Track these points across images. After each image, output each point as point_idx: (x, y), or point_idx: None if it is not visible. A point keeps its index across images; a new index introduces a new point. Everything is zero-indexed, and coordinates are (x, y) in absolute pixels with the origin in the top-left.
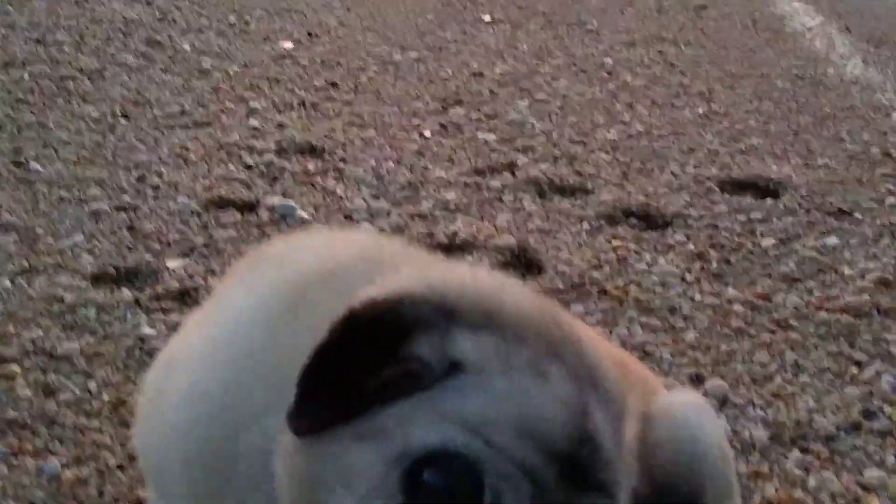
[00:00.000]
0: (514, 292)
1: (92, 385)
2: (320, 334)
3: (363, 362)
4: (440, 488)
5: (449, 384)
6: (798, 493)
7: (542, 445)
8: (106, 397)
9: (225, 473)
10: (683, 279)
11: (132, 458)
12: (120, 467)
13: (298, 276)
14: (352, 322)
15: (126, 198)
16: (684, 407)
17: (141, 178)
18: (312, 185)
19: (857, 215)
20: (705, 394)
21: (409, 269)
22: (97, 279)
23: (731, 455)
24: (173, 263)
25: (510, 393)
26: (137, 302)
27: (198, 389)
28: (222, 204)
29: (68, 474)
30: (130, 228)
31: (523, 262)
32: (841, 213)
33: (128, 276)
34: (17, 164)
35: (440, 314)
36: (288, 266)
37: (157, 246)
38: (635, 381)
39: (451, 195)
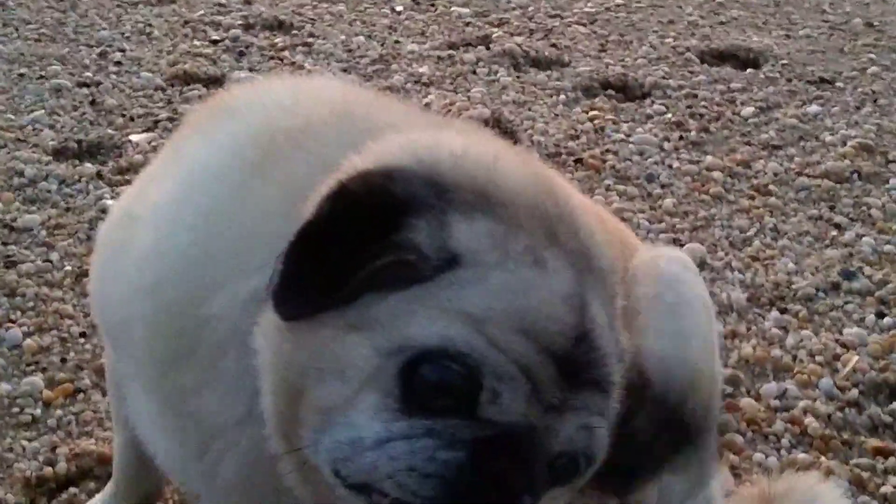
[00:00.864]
0: (507, 163)
1: (54, 256)
2: (292, 197)
3: (355, 245)
4: (437, 384)
5: (446, 277)
6: (776, 352)
7: (541, 344)
8: (68, 268)
9: (190, 338)
10: (661, 148)
11: (95, 326)
12: (83, 335)
13: (264, 130)
14: (342, 199)
15: (88, 74)
16: (666, 262)
17: (103, 55)
18: (280, 59)
19: (839, 84)
20: None
21: (394, 136)
22: (59, 153)
23: (712, 309)
24: (137, 137)
25: (509, 288)
26: (100, 175)
27: (162, 249)
28: (187, 79)
29: (30, 342)
30: (93, 104)
31: (498, 133)
32: (822, 82)
33: (90, 151)
34: None
35: (433, 193)
36: (252, 118)
37: (119, 120)
38: (615, 240)
39: (423, 69)
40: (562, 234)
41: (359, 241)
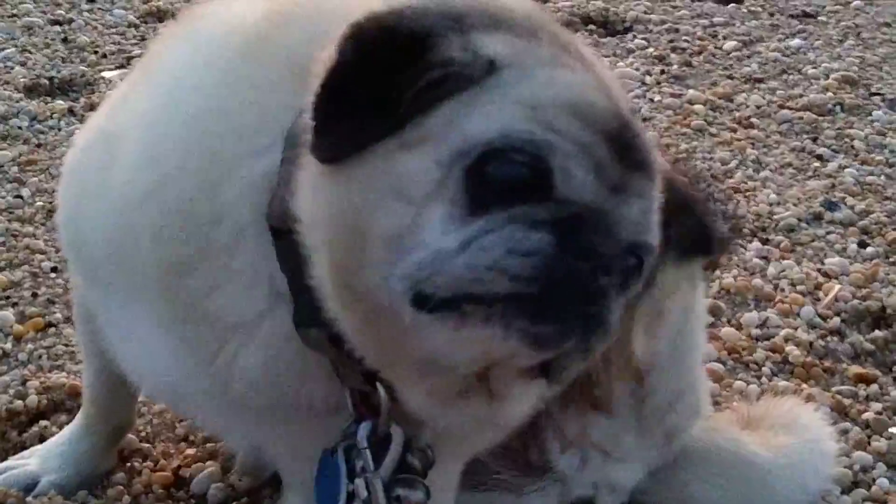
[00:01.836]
0: None
1: (25, 192)
2: (294, 70)
3: (389, 74)
4: (507, 179)
5: (490, 81)
6: (757, 281)
7: (595, 126)
8: (39, 203)
9: (202, 236)
10: (643, 82)
11: (66, 261)
12: (54, 270)
13: (243, 19)
14: (365, 35)
15: (60, 11)
16: None
17: None
18: None
19: (822, 18)
20: None
21: None
22: (30, 90)
23: None
24: (109, 74)
25: (553, 80)
26: (72, 111)
27: (154, 154)
28: (161, 16)
29: (1, 277)
30: (65, 41)
31: None
32: (805, 16)
33: (62, 88)
34: None
35: (451, 19)
36: (227, 14)
37: (92, 57)
38: None
39: None
40: (573, 51)
41: (392, 69)
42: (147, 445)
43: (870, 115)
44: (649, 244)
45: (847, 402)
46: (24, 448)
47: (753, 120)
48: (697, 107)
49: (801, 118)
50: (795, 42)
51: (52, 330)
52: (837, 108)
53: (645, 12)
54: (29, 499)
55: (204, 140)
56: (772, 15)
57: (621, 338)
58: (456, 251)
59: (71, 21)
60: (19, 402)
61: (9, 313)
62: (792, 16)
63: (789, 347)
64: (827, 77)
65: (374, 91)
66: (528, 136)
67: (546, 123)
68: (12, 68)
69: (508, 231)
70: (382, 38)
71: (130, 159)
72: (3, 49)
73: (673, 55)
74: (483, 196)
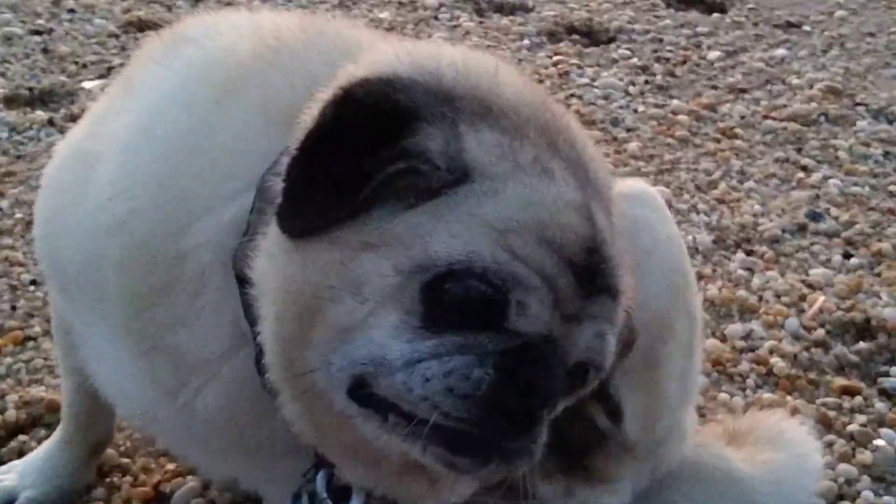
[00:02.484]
0: (506, 74)
1: (4, 204)
2: (273, 117)
3: (364, 152)
4: (465, 301)
5: (460, 191)
6: (741, 293)
7: (561, 254)
8: (19, 215)
9: (166, 274)
10: (627, 92)
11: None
12: (33, 283)
13: (228, 54)
14: (347, 104)
15: (40, 21)
16: (629, 204)
17: (56, 2)
18: (237, 7)
19: (806, 27)
20: None
21: (385, 47)
22: (10, 101)
23: (681, 245)
24: (90, 84)
25: (524, 199)
26: (52, 122)
27: (127, 184)
28: (142, 26)
29: None
30: (45, 51)
31: None
32: (789, 26)
33: (42, 98)
34: None
35: (439, 101)
36: (212, 44)
37: (72, 68)
38: None
39: (384, 14)
40: (562, 146)
41: (368, 147)
42: (127, 460)
43: (854, 125)
44: (599, 363)
45: (832, 414)
46: (2, 463)
47: (737, 130)
48: (681, 117)
49: (785, 128)
50: (780, 52)
51: (31, 343)
52: (822, 118)
53: (629, 22)
54: None
55: (175, 180)
56: (756, 25)
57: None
58: (400, 367)
59: (51, 31)
60: None
61: None
62: (776, 26)
63: (774, 359)
64: (811, 87)
65: (347, 166)
66: (492, 266)
67: (511, 252)
68: None
69: (454, 365)
70: (364, 112)
71: (104, 185)
72: None
73: (657, 65)
74: (437, 313)
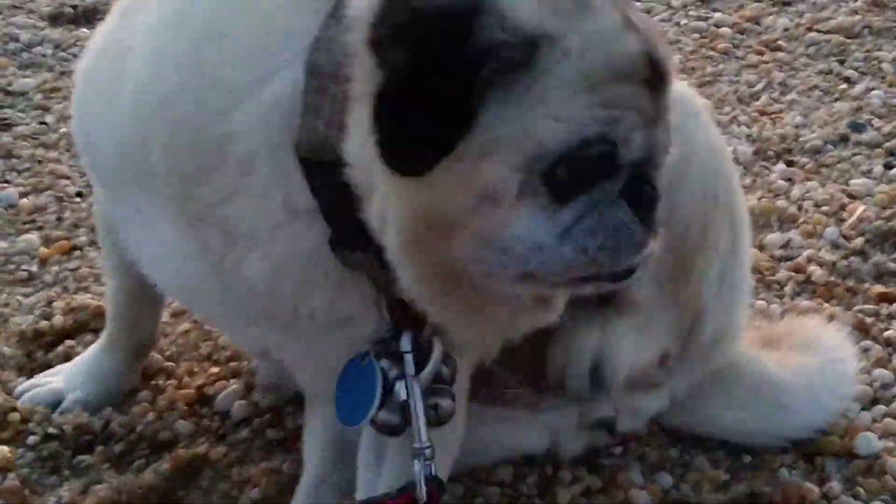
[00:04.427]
0: None
1: (49, 119)
2: None
3: (441, 73)
4: (584, 171)
5: (538, 66)
6: (781, 203)
7: (635, 77)
8: (63, 129)
9: (213, 154)
10: (669, 5)
11: (91, 186)
12: (79, 195)
13: None
14: (407, 40)
15: None
16: None
17: None
18: None
19: None
20: None
21: None
22: (54, 18)
23: (724, 150)
24: None
25: (589, 48)
26: None
27: (161, 72)
28: None
29: (26, 202)
30: None
31: None
32: None
33: (86, 16)
34: None
35: None
36: None
37: None
38: None
39: None
40: None
41: (443, 67)
42: (171, 364)
43: None
44: (668, 146)
45: (868, 320)
46: (50, 367)
47: (780, 43)
48: (724, 30)
49: (828, 41)
50: None
51: (77, 253)
52: (865, 30)
53: None
54: (54, 415)
55: (208, 63)
56: None
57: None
58: (557, 242)
59: None
60: (45, 323)
61: (34, 237)
62: None
63: (812, 268)
64: (855, 0)
65: (432, 95)
66: (598, 131)
67: (604, 103)
68: None
69: (597, 215)
70: (426, 37)
71: (140, 72)
72: None
73: None
74: (564, 188)
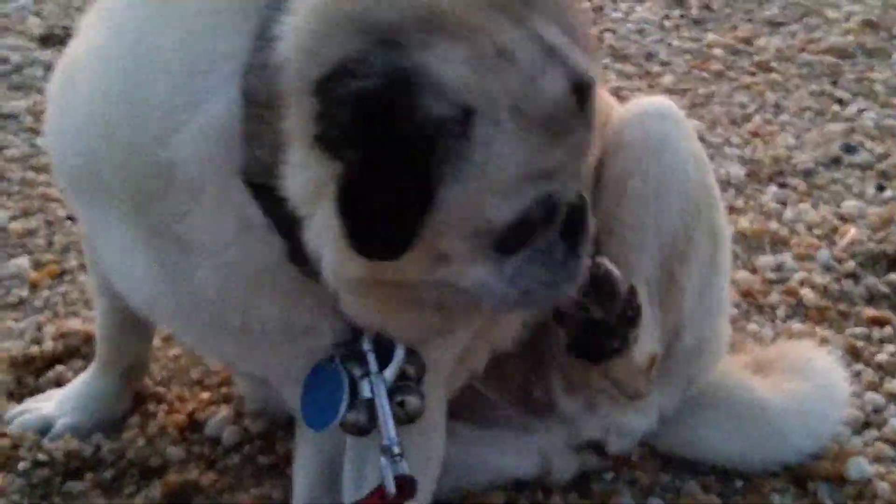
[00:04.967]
0: None
1: (40, 141)
2: (220, 14)
3: (404, 159)
4: (529, 232)
5: (477, 137)
6: (773, 225)
7: (566, 116)
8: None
9: (161, 177)
10: (661, 26)
11: None
12: (69, 218)
13: None
14: (367, 137)
15: None
16: (650, 119)
17: None
18: None
19: None
20: None
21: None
22: (45, 40)
23: (704, 159)
24: None
25: (518, 103)
26: None
27: (102, 94)
28: None
29: (16, 226)
30: None
31: None
32: None
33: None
34: None
35: (401, 43)
36: None
37: None
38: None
39: None
40: (506, 4)
41: (402, 159)
42: (162, 389)
43: (890, 58)
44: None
45: (860, 344)
46: (40, 392)
47: (773, 64)
48: (717, 51)
49: (821, 62)
50: None
51: (68, 277)
52: (858, 51)
53: None
54: (44, 441)
55: (139, 90)
56: None
57: (624, 366)
58: (504, 286)
59: None
60: (35, 348)
61: (24, 261)
62: None
63: (804, 290)
64: (848, 20)
65: (392, 186)
66: (540, 195)
67: (543, 165)
68: (27, 18)
69: (538, 260)
70: (375, 133)
71: (84, 93)
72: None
73: None
74: (509, 245)
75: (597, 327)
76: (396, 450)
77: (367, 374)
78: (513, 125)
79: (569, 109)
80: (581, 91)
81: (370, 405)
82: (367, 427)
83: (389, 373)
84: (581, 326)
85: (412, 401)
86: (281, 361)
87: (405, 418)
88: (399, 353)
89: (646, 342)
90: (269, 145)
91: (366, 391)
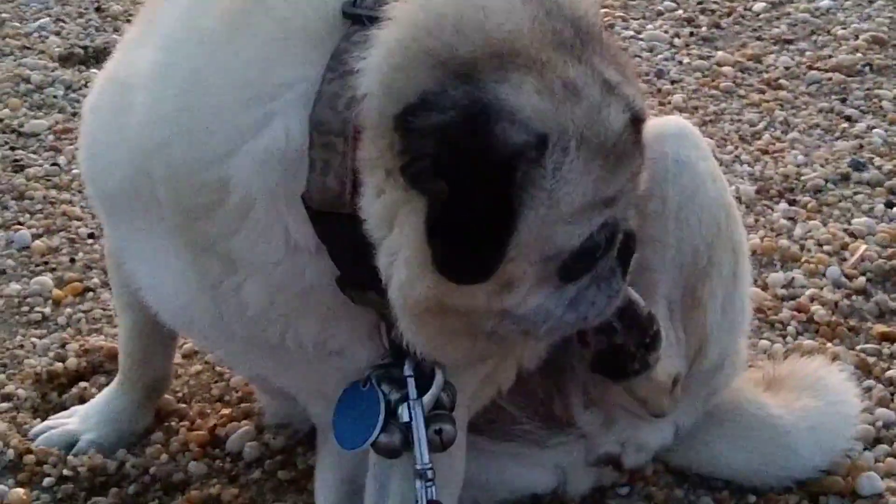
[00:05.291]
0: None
1: (61, 160)
2: (293, 38)
3: (489, 188)
4: (591, 258)
5: (546, 168)
6: (783, 242)
7: (626, 147)
8: (76, 171)
9: (214, 193)
10: (672, 44)
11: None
12: (91, 236)
13: None
14: (458, 170)
15: None
16: (670, 143)
17: None
18: None
19: None
20: None
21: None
22: (65, 59)
23: (722, 180)
24: None
25: (584, 134)
26: None
27: (161, 113)
28: None
29: (39, 244)
30: (98, 10)
31: None
32: None
33: (96, 56)
34: None
35: (479, 77)
36: None
37: (125, 26)
38: None
39: None
40: (563, 33)
41: (486, 188)
42: (184, 406)
43: None
44: None
45: (871, 360)
46: (64, 409)
47: (782, 81)
48: (726, 69)
49: (830, 79)
50: (825, 3)
51: (90, 294)
52: (867, 68)
53: None
54: (69, 457)
55: (198, 113)
56: None
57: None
58: (562, 312)
59: None
60: (59, 365)
61: (48, 278)
62: None
63: (815, 307)
64: (856, 37)
65: (479, 214)
66: (603, 222)
67: (606, 192)
68: (47, 38)
69: (596, 287)
70: (461, 165)
71: (140, 112)
72: (38, 19)
73: (702, 17)
74: (573, 272)
75: (618, 350)
76: (430, 474)
77: (405, 398)
78: (580, 153)
79: (627, 140)
80: (637, 123)
81: (405, 429)
82: (399, 450)
83: (428, 399)
84: (604, 350)
85: (449, 430)
86: (313, 379)
87: (440, 446)
88: (439, 380)
89: (668, 363)
90: (338, 173)
91: (404, 415)
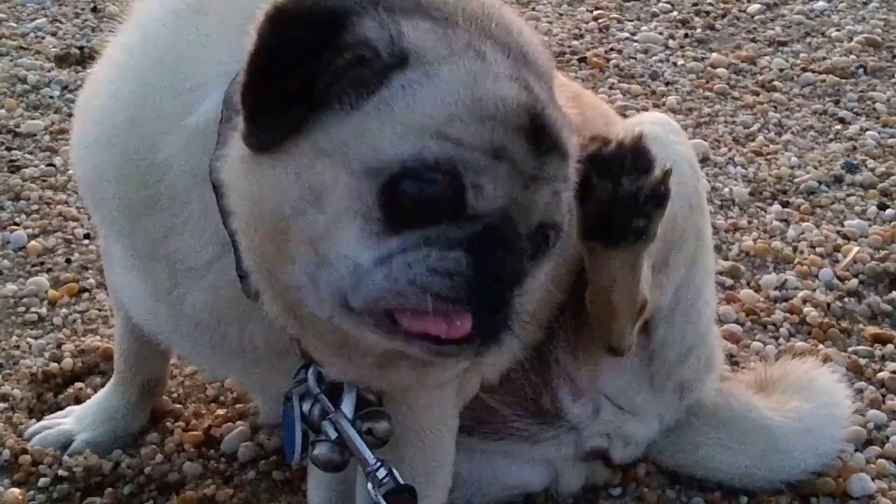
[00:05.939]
0: None
1: (57, 161)
2: (234, 29)
3: (308, 57)
4: (422, 198)
5: (398, 80)
6: (776, 244)
7: (506, 123)
8: (72, 171)
9: (152, 186)
10: (666, 46)
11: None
12: (87, 236)
13: None
14: (280, 18)
15: None
16: (647, 125)
17: None
18: None
19: None
20: None
21: None
22: (61, 60)
23: (697, 166)
24: None
25: (459, 80)
26: None
27: (114, 100)
28: None
29: (35, 244)
30: (94, 10)
31: None
32: None
33: (92, 56)
34: None
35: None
36: None
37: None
38: (593, 115)
39: None
40: (494, 30)
41: (310, 52)
42: (179, 406)
43: (892, 77)
44: (557, 224)
45: (863, 361)
46: (60, 409)
47: (776, 83)
48: (720, 70)
49: (823, 81)
50: (819, 4)
51: (86, 295)
52: (860, 70)
53: None
54: (65, 457)
55: (147, 92)
56: None
57: (629, 286)
58: (374, 266)
59: None
60: (54, 365)
61: (43, 279)
62: None
63: (807, 308)
64: (850, 40)
65: (294, 76)
66: (442, 156)
67: (457, 139)
68: (43, 38)
69: (425, 251)
70: (300, 20)
71: (99, 101)
72: (34, 19)
73: (696, 18)
74: (398, 214)
75: (622, 204)
76: (383, 472)
77: (324, 413)
78: (443, 93)
79: (513, 122)
80: (537, 124)
81: (339, 441)
82: (341, 462)
83: (347, 406)
84: (607, 201)
85: (380, 426)
86: (275, 380)
87: (377, 443)
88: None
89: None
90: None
91: (331, 433)
